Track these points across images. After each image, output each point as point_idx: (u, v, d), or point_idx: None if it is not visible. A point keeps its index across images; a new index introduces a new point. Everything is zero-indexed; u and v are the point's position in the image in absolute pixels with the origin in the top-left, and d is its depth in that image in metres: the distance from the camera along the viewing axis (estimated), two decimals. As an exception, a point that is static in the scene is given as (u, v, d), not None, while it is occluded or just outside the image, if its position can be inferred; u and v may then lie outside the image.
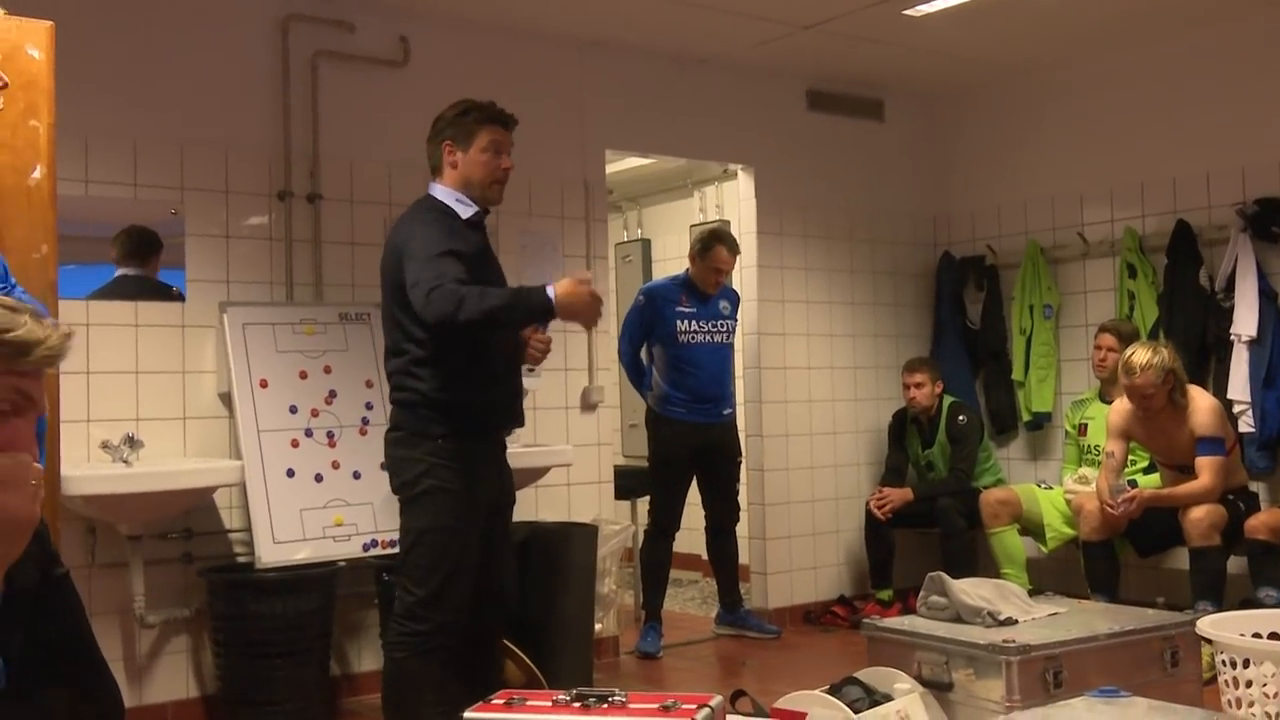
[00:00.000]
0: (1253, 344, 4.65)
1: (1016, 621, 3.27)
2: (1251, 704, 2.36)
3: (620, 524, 4.87)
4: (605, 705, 2.25)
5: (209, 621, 3.85)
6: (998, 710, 2.92)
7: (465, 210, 3.11)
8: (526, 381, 3.38)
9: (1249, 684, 2.37)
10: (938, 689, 3.11)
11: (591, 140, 4.95)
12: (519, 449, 3.67)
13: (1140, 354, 4.30)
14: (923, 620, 3.36)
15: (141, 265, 4.01)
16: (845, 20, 4.74)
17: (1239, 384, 4.65)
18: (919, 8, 4.63)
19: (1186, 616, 3.37)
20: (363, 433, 4.10)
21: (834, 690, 3.03)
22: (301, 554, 3.84)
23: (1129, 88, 5.27)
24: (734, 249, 5.05)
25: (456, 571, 3.01)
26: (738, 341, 5.31)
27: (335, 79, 4.35)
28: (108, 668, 1.84)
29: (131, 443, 3.74)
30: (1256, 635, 2.58)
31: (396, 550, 3.95)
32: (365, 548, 3.98)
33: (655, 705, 2.25)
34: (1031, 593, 3.76)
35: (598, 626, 4.53)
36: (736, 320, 5.17)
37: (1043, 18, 4.83)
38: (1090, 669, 3.06)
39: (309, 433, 4.01)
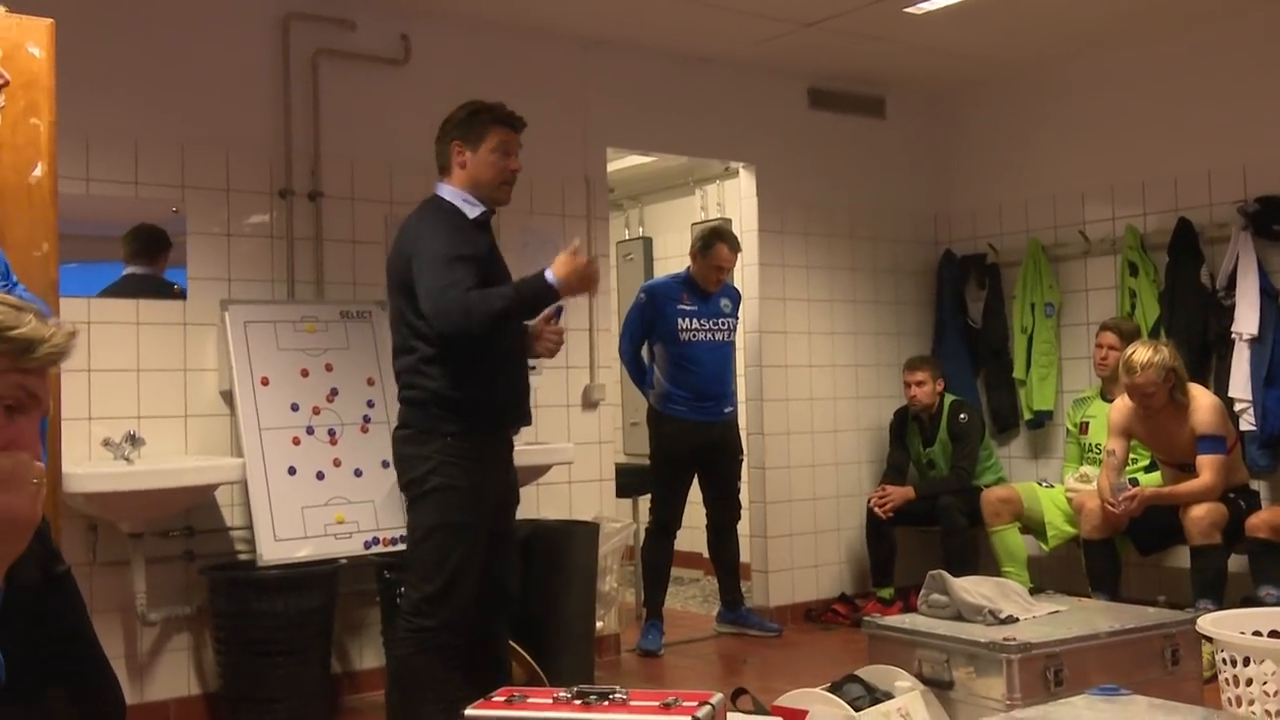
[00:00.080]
0: (1254, 342, 4.65)
1: (1017, 620, 3.28)
2: (1252, 702, 2.36)
3: (621, 522, 4.87)
4: (606, 703, 2.26)
5: (210, 619, 3.85)
6: (998, 708, 2.92)
7: (472, 210, 3.13)
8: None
9: (1249, 682, 2.37)
10: (938, 687, 3.11)
11: (593, 138, 4.95)
12: (520, 447, 3.66)
13: (1141, 352, 4.30)
14: (924, 618, 3.36)
15: (150, 264, 4.02)
16: (847, 18, 4.74)
17: (1240, 382, 4.65)
18: (920, 5, 4.63)
19: (1187, 615, 3.37)
20: (364, 430, 4.11)
21: (835, 688, 3.04)
22: (303, 552, 3.85)
23: (1130, 85, 5.27)
24: (735, 247, 5.05)
25: (463, 569, 3.03)
26: (739, 339, 5.31)
27: (336, 77, 4.35)
28: (109, 665, 1.84)
29: (133, 440, 3.74)
30: (1257, 633, 2.57)
31: (397, 548, 3.98)
32: (366, 545, 3.99)
33: (656, 703, 2.25)
34: (1032, 591, 3.76)
35: (599, 624, 4.53)
36: (738, 318, 5.17)
37: (1044, 15, 4.82)
38: (1091, 667, 3.06)
39: (310, 430, 4.01)
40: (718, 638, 5.17)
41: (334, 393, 4.09)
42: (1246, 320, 4.66)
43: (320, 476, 3.97)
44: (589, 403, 4.91)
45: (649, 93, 5.12)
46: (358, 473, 4.04)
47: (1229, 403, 4.62)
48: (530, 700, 2.31)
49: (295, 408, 4.01)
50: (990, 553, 5.06)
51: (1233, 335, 4.71)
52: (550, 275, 2.99)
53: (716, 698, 2.30)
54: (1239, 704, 2.39)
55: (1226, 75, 4.94)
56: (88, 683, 1.78)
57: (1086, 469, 4.98)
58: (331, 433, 4.05)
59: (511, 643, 3.50)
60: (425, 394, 3.04)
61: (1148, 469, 4.80)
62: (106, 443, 3.73)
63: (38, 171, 2.86)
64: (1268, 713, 2.33)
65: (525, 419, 3.26)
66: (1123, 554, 4.68)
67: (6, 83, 2.35)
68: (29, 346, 1.33)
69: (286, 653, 3.72)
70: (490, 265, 3.12)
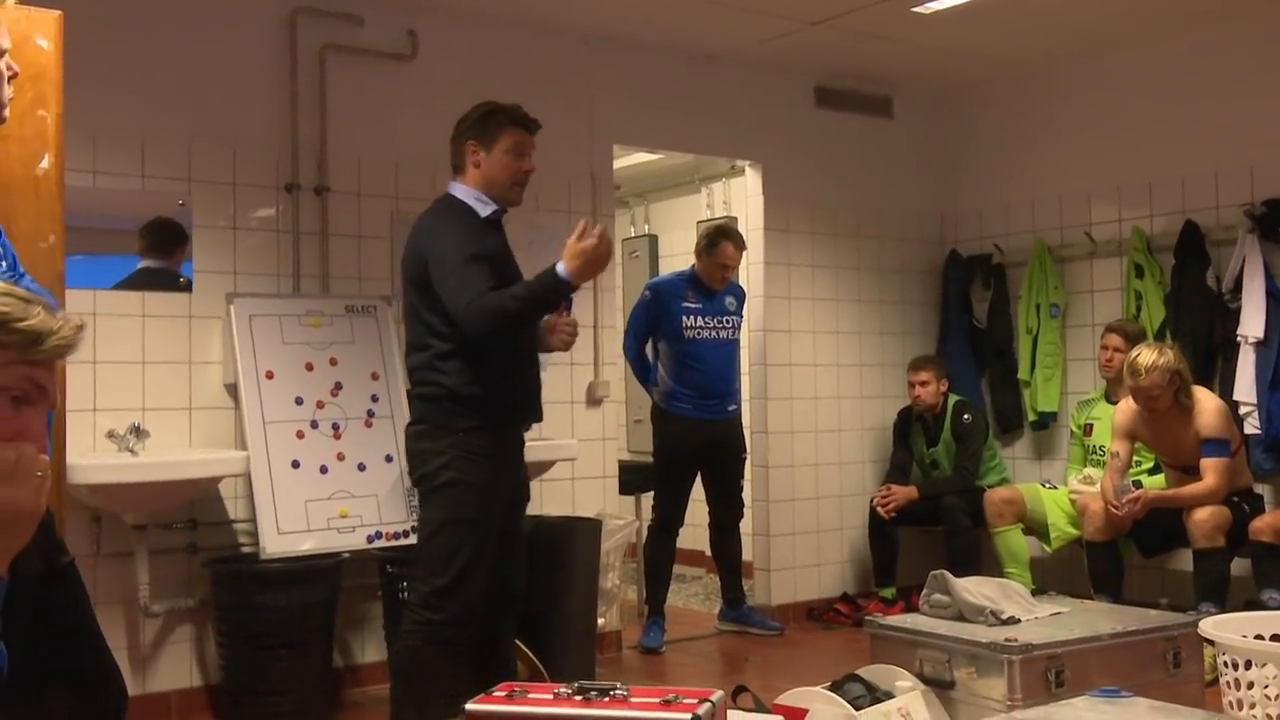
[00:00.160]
0: (1259, 345, 4.64)
1: (1019, 620, 3.27)
2: (1253, 705, 2.36)
3: (624, 519, 4.87)
4: (606, 699, 2.26)
5: (213, 611, 3.86)
6: (999, 709, 2.92)
7: (485, 209, 3.16)
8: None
9: (1250, 685, 2.37)
10: (939, 687, 3.11)
11: (599, 135, 4.96)
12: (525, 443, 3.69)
13: (1146, 355, 4.30)
14: (925, 618, 3.36)
15: (165, 257, 4.04)
16: (854, 17, 4.74)
17: (1245, 385, 4.64)
18: (928, 5, 4.63)
19: (1189, 617, 3.37)
20: (368, 425, 4.11)
21: (836, 687, 3.04)
22: (306, 545, 3.85)
23: (1138, 86, 5.26)
24: (740, 245, 5.05)
25: (473, 564, 3.05)
26: (744, 338, 5.31)
27: (343, 72, 4.35)
28: (112, 656, 1.85)
29: (137, 432, 3.75)
30: (1259, 637, 2.58)
31: (400, 543, 4.00)
32: (369, 539, 3.99)
33: (656, 699, 2.25)
34: (1035, 592, 3.76)
35: (601, 621, 4.54)
36: (742, 316, 5.16)
37: (1051, 15, 4.82)
38: (1092, 669, 3.06)
39: (314, 424, 4.02)
40: (719, 636, 5.17)
41: (338, 387, 4.09)
42: (1252, 323, 4.65)
43: (324, 470, 3.98)
44: (593, 399, 4.91)
45: (655, 90, 5.12)
46: (361, 467, 4.05)
47: (1234, 406, 4.61)
48: (531, 696, 2.31)
49: (299, 401, 4.01)
50: (993, 553, 5.06)
51: (1238, 338, 4.70)
52: (561, 269, 2.99)
53: (717, 695, 2.31)
54: (1240, 707, 2.39)
55: (1234, 76, 4.93)
56: (90, 673, 1.79)
57: (1090, 471, 4.97)
58: (335, 427, 4.05)
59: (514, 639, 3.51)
60: (440, 390, 3.07)
61: (1151, 471, 4.79)
62: (111, 435, 3.74)
63: (45, 163, 2.87)
64: (1269, 716, 2.33)
65: (537, 415, 3.29)
66: (1125, 556, 4.67)
67: (15, 74, 2.35)
68: (37, 339, 1.34)
69: (288, 646, 3.73)
70: (502, 264, 3.16)
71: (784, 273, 5.51)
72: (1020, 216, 5.70)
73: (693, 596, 6.09)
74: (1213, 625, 2.66)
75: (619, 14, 4.70)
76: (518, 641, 3.65)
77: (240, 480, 3.97)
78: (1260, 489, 4.62)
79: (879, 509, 5.23)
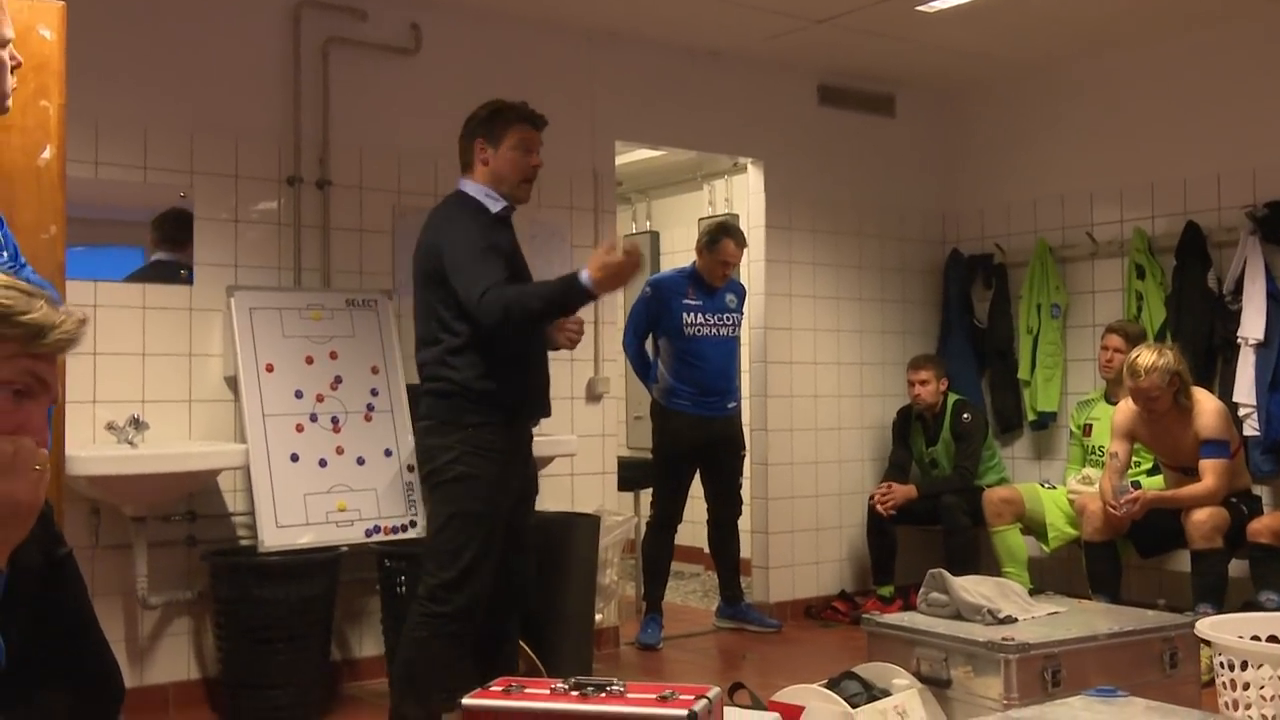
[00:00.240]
0: (1260, 347, 4.64)
1: (1016, 620, 3.28)
2: (1249, 706, 2.36)
3: (623, 515, 4.87)
4: (603, 694, 2.26)
5: (211, 604, 3.86)
6: (995, 707, 2.92)
7: (495, 205, 3.20)
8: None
9: (1247, 686, 2.37)
10: (936, 685, 3.12)
11: (601, 131, 4.95)
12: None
13: (1145, 356, 4.30)
14: (923, 617, 3.36)
15: (179, 250, 4.05)
16: (858, 15, 4.73)
17: (1245, 387, 4.64)
18: (932, 4, 4.62)
19: (1186, 618, 3.37)
20: (367, 419, 4.11)
21: (832, 685, 3.04)
22: (304, 539, 3.85)
23: (1141, 86, 5.26)
24: (741, 242, 5.05)
25: (481, 558, 3.07)
26: (744, 335, 5.31)
27: (346, 66, 4.35)
28: (109, 648, 1.85)
29: (137, 424, 3.75)
30: (1255, 638, 2.58)
31: (399, 537, 4.01)
32: (368, 533, 4.00)
33: (653, 695, 2.25)
34: (1032, 592, 3.76)
35: (598, 617, 4.54)
36: (742, 314, 5.17)
37: (1055, 15, 4.81)
38: (1089, 668, 3.06)
39: (314, 418, 4.02)
40: (717, 633, 5.17)
41: (338, 380, 4.09)
42: (1253, 325, 4.65)
43: (323, 464, 3.98)
44: (593, 395, 4.91)
45: (658, 87, 5.12)
46: (360, 461, 4.05)
47: (1233, 407, 4.61)
48: (528, 691, 2.31)
49: (299, 395, 4.01)
50: (991, 553, 5.06)
51: (1238, 340, 4.70)
52: (585, 277, 3.00)
53: (713, 692, 2.31)
54: (1236, 708, 2.40)
55: (1237, 77, 4.92)
56: (87, 666, 1.79)
57: (1089, 471, 4.97)
58: (335, 420, 4.05)
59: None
60: (450, 385, 3.10)
61: (1150, 472, 4.79)
62: (110, 426, 3.74)
63: (46, 154, 2.87)
64: (1264, 717, 2.33)
65: (546, 411, 3.33)
66: (1124, 556, 4.67)
67: (19, 64, 2.35)
68: (40, 332, 1.34)
69: (286, 639, 3.73)
70: (513, 260, 3.19)
71: (785, 270, 5.51)
72: (1022, 216, 5.70)
73: (691, 593, 6.09)
74: (1209, 626, 2.67)
75: (622, 9, 4.70)
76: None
77: (239, 473, 3.97)
78: (1259, 491, 4.63)
79: (879, 506, 5.23)
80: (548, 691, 2.30)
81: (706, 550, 5.35)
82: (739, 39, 5.07)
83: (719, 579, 5.26)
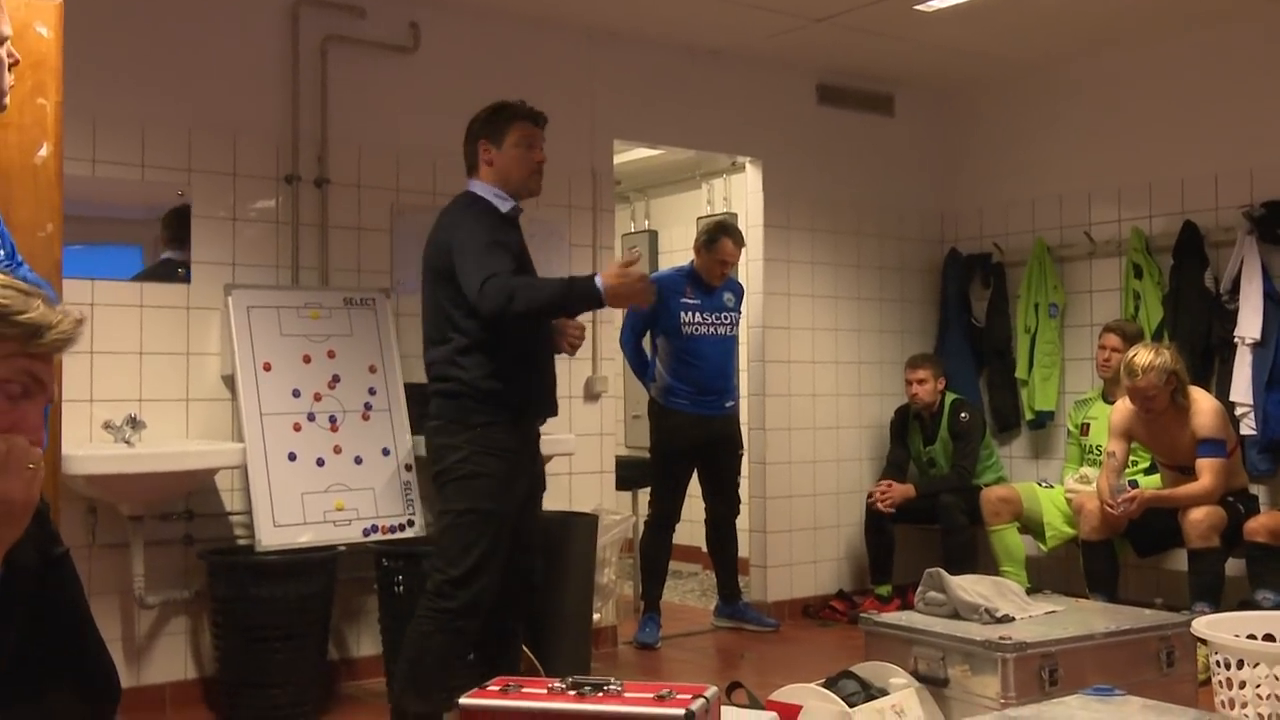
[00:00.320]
0: (1256, 346, 4.65)
1: (1014, 619, 3.28)
2: (1245, 705, 2.36)
3: (621, 514, 4.87)
4: (600, 693, 2.26)
5: (208, 603, 3.86)
6: (993, 706, 2.92)
7: (504, 205, 3.24)
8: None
9: (1243, 685, 2.37)
10: (933, 684, 3.12)
11: (600, 130, 4.95)
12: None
13: (1143, 355, 4.30)
14: (920, 616, 3.37)
15: (188, 249, 4.05)
16: (857, 14, 4.73)
17: (1242, 386, 4.64)
18: (930, 3, 4.62)
19: (1183, 617, 3.38)
20: (365, 418, 4.11)
21: (830, 684, 3.04)
22: (302, 538, 3.85)
23: (1139, 86, 5.26)
24: (739, 242, 5.04)
25: (490, 554, 3.10)
26: (742, 335, 5.31)
27: (345, 64, 4.34)
28: (105, 648, 1.84)
29: (134, 423, 3.75)
30: (1252, 637, 2.58)
31: (396, 536, 4.01)
32: (365, 533, 3.99)
33: (650, 695, 2.25)
34: (1030, 591, 3.77)
35: (596, 616, 4.54)
36: (740, 313, 5.17)
37: (1054, 14, 4.81)
38: (1086, 667, 3.06)
39: (311, 417, 4.02)
40: (715, 632, 5.17)
41: (336, 379, 4.09)
42: (1249, 324, 4.65)
43: (320, 463, 3.98)
44: (591, 394, 4.91)
45: (656, 85, 5.11)
46: (358, 460, 4.05)
47: (1230, 407, 4.61)
48: (525, 690, 2.31)
49: (297, 394, 4.01)
50: (989, 552, 5.06)
51: (1235, 339, 4.70)
52: (600, 282, 3.04)
53: (711, 691, 2.31)
54: (1232, 706, 2.40)
55: (1235, 77, 4.93)
56: (84, 666, 1.78)
57: (1086, 470, 4.98)
58: (333, 419, 4.05)
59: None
60: (459, 386, 3.12)
61: (1148, 471, 4.79)
62: (107, 425, 3.74)
63: (43, 152, 2.86)
64: (1260, 715, 2.33)
65: (552, 410, 3.36)
66: (1121, 556, 4.68)
67: (17, 62, 2.35)
68: (37, 332, 1.33)
69: (284, 638, 3.73)
70: (520, 259, 3.21)
71: (783, 269, 5.51)
72: (1020, 216, 5.70)
73: (689, 592, 6.09)
74: (1206, 625, 2.67)
75: (621, 8, 4.69)
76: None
77: (237, 472, 3.97)
78: (1256, 490, 4.63)
79: (879, 503, 5.23)
80: (545, 691, 2.30)
81: (705, 549, 5.35)
82: (738, 38, 5.06)
83: (717, 578, 5.26)
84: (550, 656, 3.87)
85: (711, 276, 5.00)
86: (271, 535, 3.80)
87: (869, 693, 3.03)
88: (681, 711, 2.18)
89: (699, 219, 6.60)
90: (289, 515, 3.85)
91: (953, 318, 5.82)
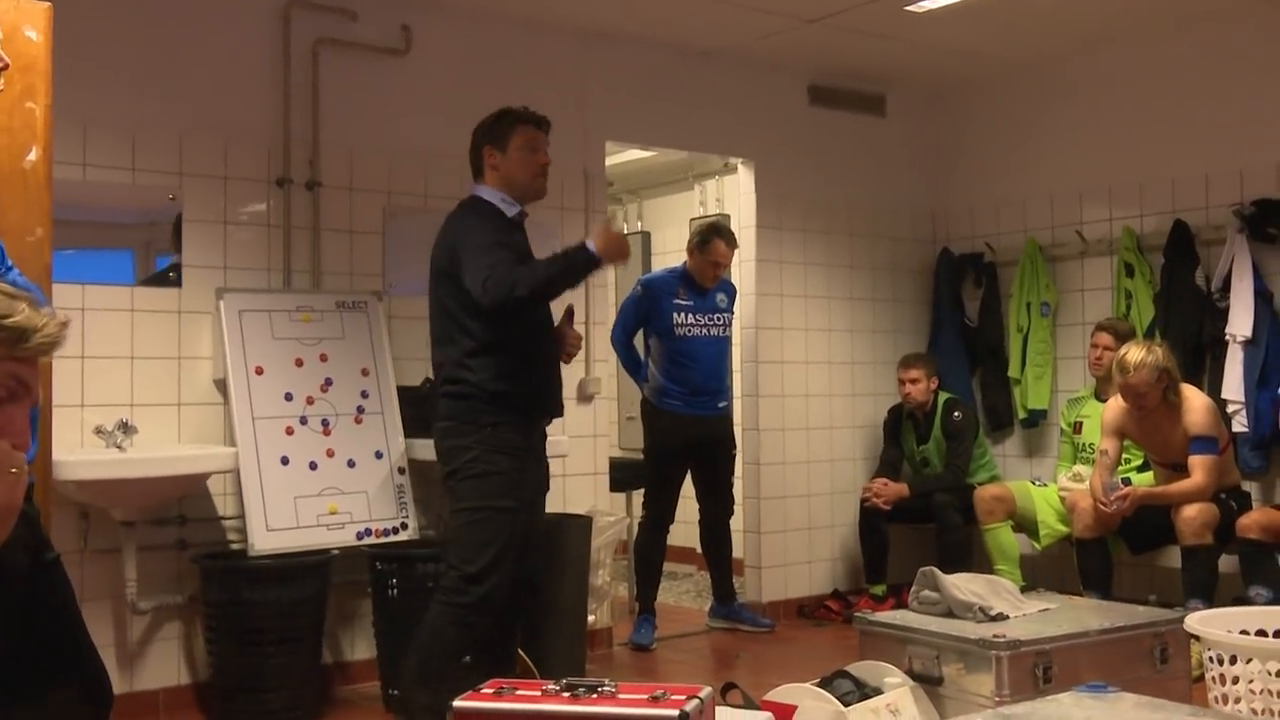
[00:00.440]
0: (1248, 344, 4.66)
1: (1008, 617, 3.29)
2: (1239, 700, 2.37)
3: (615, 516, 4.87)
4: (595, 695, 2.26)
5: (202, 608, 3.85)
6: (987, 704, 2.93)
7: (509, 209, 3.31)
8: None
9: (1236, 680, 2.38)
10: (928, 683, 3.12)
11: (592, 131, 4.95)
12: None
13: (1134, 353, 4.31)
14: (914, 615, 3.37)
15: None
16: (848, 15, 4.74)
17: (1233, 384, 4.65)
18: (922, 3, 4.63)
19: (1176, 614, 3.38)
20: (358, 421, 4.10)
21: (825, 683, 3.04)
22: (295, 542, 3.84)
23: (1130, 86, 5.27)
24: (732, 243, 5.05)
25: (505, 549, 3.15)
26: (735, 335, 5.31)
27: (336, 67, 4.34)
28: (97, 653, 1.84)
29: (126, 428, 3.74)
30: (1245, 633, 2.59)
31: (389, 539, 4.01)
32: (359, 536, 3.99)
33: (645, 696, 2.25)
34: (1024, 589, 3.77)
35: (591, 618, 4.54)
36: (733, 313, 5.17)
37: (1045, 15, 4.82)
38: (1080, 665, 3.07)
39: (304, 420, 4.01)
40: (710, 633, 5.17)
41: (328, 383, 4.08)
42: (1240, 322, 4.66)
43: (313, 467, 3.97)
44: (584, 396, 4.91)
45: (649, 87, 5.12)
46: (351, 463, 4.04)
47: (1222, 404, 4.63)
48: (519, 693, 2.31)
49: (289, 397, 4.00)
50: (983, 550, 5.07)
51: (1227, 337, 4.71)
52: (592, 245, 3.14)
53: (705, 692, 2.31)
54: (1226, 702, 2.40)
55: (1226, 77, 4.94)
56: (76, 671, 1.78)
57: (1080, 468, 4.98)
58: (325, 423, 4.04)
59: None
60: (468, 387, 3.18)
61: (1140, 469, 4.81)
62: (99, 430, 3.73)
63: (33, 156, 2.85)
64: (1254, 711, 2.34)
65: (558, 410, 3.43)
66: (1115, 553, 4.68)
67: (6, 66, 2.34)
68: (22, 335, 1.33)
69: (278, 643, 3.72)
70: (525, 261, 3.26)
71: (776, 270, 5.51)
72: (1012, 215, 5.71)
73: (684, 593, 6.09)
74: (1199, 621, 2.67)
75: (613, 9, 4.69)
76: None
77: (229, 476, 3.96)
78: (1248, 486, 4.64)
79: (874, 500, 5.23)
80: (539, 693, 2.30)
81: (699, 550, 5.35)
82: (730, 39, 5.07)
83: (712, 579, 5.26)
84: (545, 658, 3.86)
85: (704, 278, 5.00)
86: (265, 539, 3.79)
87: (864, 692, 3.03)
88: (676, 713, 2.18)
89: (692, 220, 6.60)
90: (282, 519, 3.85)
91: (945, 317, 5.83)
